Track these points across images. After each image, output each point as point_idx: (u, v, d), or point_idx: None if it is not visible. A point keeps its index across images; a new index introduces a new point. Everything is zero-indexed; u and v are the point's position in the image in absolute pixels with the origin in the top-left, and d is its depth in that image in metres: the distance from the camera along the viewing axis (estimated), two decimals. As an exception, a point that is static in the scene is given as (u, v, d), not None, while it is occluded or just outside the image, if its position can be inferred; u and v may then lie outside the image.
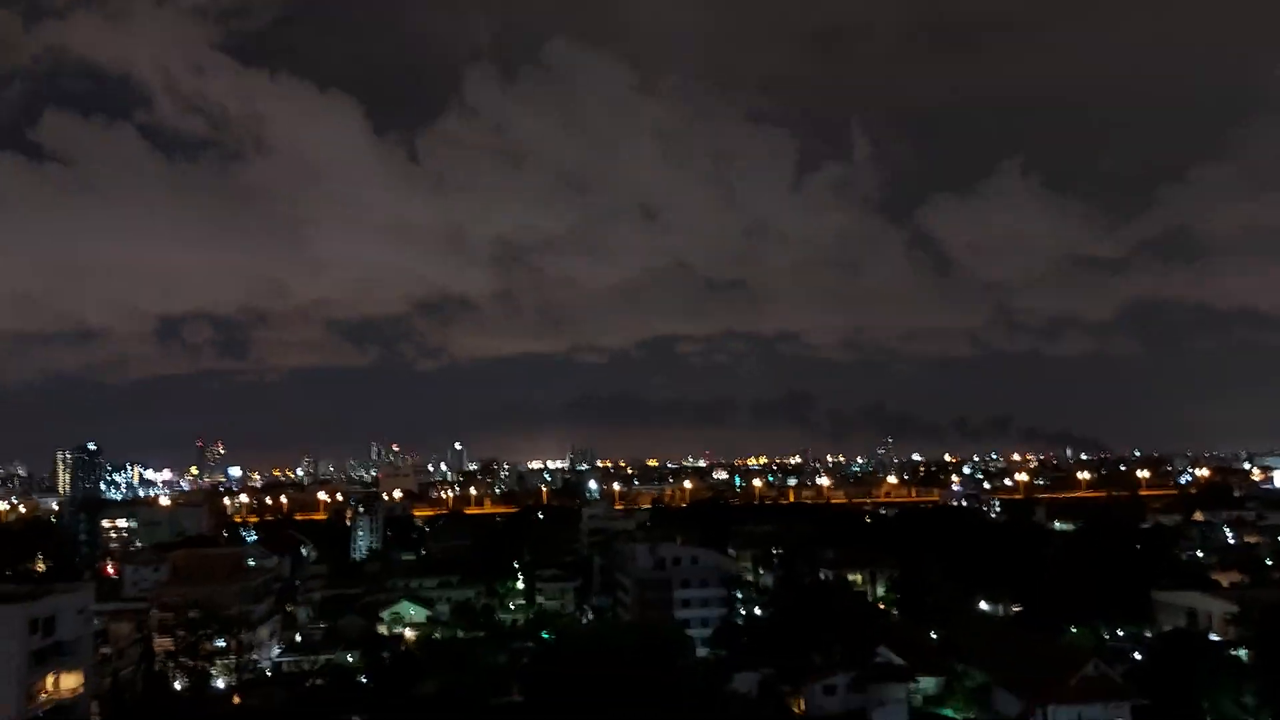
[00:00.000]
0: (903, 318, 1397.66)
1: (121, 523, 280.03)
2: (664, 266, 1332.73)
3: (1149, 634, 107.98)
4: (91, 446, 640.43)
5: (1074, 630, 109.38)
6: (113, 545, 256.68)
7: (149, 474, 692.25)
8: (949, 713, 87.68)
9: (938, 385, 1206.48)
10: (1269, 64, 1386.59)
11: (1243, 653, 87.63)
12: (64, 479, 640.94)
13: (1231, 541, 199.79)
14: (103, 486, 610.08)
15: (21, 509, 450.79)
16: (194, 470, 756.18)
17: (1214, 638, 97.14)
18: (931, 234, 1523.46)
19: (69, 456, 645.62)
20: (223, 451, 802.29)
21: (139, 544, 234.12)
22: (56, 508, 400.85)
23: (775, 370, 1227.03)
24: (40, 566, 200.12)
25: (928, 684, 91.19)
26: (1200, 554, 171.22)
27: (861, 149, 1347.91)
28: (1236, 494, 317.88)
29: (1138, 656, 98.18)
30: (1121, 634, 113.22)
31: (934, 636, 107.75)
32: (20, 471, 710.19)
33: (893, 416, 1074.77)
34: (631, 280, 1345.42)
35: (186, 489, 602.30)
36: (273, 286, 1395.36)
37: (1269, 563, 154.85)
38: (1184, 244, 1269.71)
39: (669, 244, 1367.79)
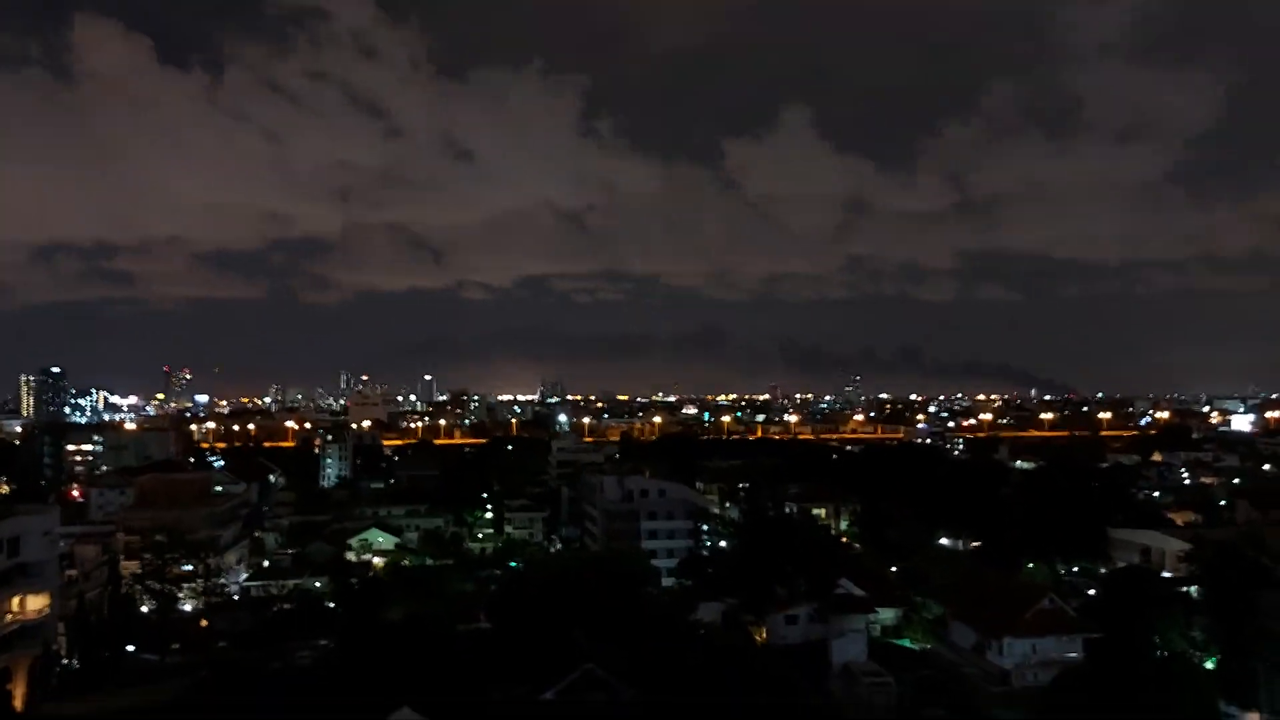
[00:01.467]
0: (755, 263, 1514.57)
1: (87, 447, 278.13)
2: (521, 209, 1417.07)
3: (1104, 570, 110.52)
4: (55, 370, 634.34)
5: (1031, 566, 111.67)
6: (78, 469, 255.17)
7: (114, 399, 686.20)
8: (907, 643, 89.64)
9: (848, 322, 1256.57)
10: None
11: (1194, 589, 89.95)
12: (27, 402, 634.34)
13: (1188, 482, 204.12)
14: (67, 410, 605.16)
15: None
16: (160, 396, 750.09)
17: (1166, 575, 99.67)
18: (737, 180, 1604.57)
19: (32, 379, 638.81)
20: (189, 378, 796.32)
21: (104, 468, 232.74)
22: (20, 430, 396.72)
23: (672, 308, 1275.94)
24: (4, 489, 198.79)
25: (887, 615, 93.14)
26: (1157, 494, 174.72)
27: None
28: (1195, 436, 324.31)
29: (1092, 592, 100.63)
30: (1077, 570, 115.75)
31: (894, 570, 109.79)
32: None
33: (803, 349, 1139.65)
34: (494, 220, 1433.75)
35: (153, 415, 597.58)
36: (124, 220, 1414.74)
37: (1223, 503, 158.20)
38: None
39: (514, 188, 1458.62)
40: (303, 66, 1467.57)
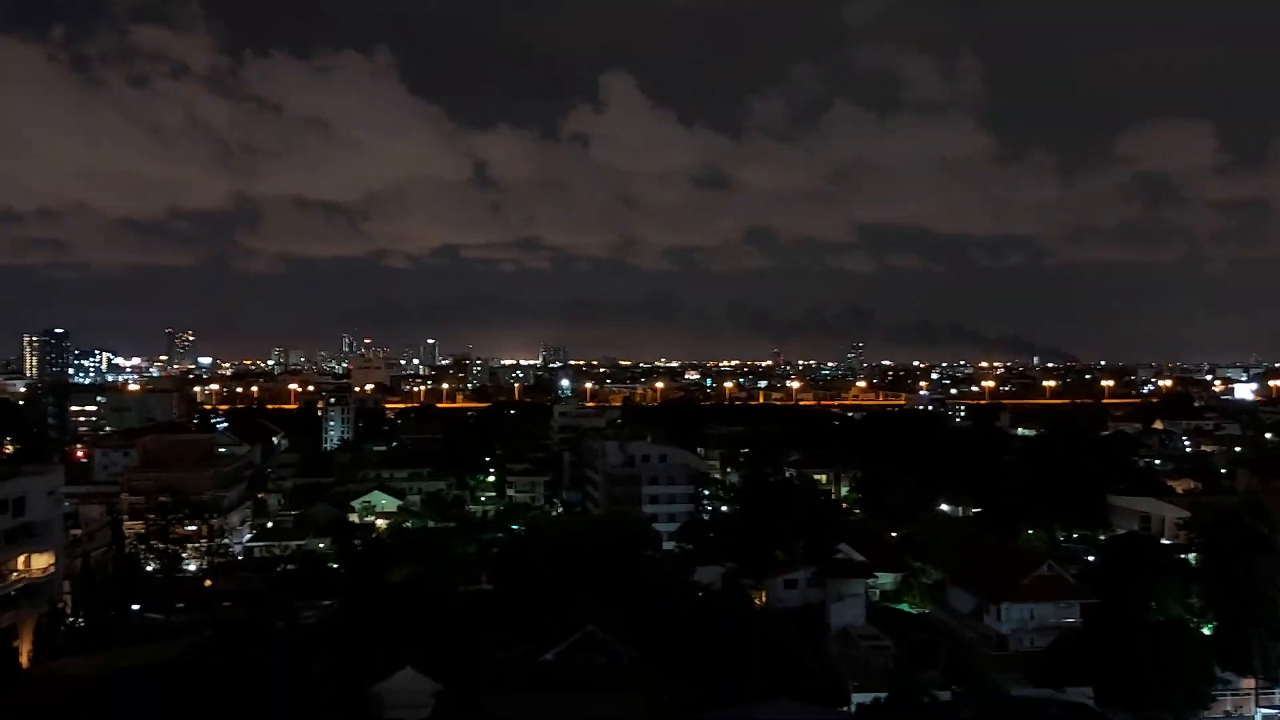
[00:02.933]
0: (657, 235, 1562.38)
1: (90, 407, 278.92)
2: (402, 180, 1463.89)
3: (1103, 537, 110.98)
4: (58, 331, 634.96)
5: (1030, 532, 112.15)
6: (82, 430, 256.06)
7: (118, 360, 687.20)
8: (905, 607, 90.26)
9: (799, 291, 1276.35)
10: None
11: (1191, 556, 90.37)
12: (31, 362, 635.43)
13: (1189, 450, 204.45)
14: (70, 371, 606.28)
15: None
16: (164, 358, 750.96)
17: (1165, 542, 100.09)
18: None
19: (35, 340, 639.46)
20: (192, 339, 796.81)
21: (108, 429, 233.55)
22: (23, 391, 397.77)
23: (611, 275, 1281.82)
24: (8, 449, 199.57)
25: (886, 580, 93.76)
26: (1158, 462, 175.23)
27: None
28: (1197, 404, 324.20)
29: (1091, 559, 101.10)
30: (1077, 537, 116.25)
31: (894, 535, 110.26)
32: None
33: (759, 314, 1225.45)
34: (380, 193, 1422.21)
35: (156, 376, 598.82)
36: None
37: (1223, 471, 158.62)
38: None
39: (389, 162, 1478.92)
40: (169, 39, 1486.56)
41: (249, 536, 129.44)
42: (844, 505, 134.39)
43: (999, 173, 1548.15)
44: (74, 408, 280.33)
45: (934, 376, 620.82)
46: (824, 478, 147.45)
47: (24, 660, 74.51)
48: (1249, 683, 72.01)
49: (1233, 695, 71.12)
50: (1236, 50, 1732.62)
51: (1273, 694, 72.05)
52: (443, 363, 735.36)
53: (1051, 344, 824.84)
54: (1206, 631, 76.97)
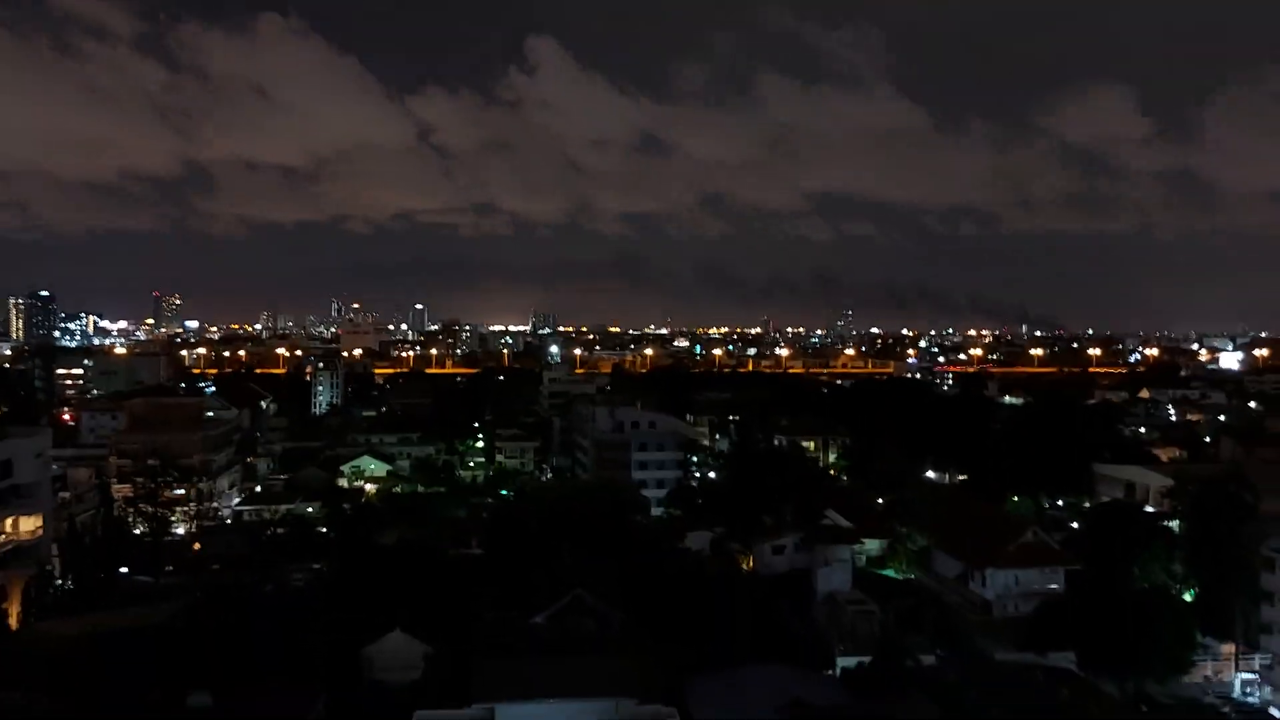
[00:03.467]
0: (609, 200, 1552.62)
1: (77, 371, 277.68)
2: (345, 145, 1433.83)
3: (1088, 505, 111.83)
4: (44, 294, 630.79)
5: (1016, 499, 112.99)
6: (69, 393, 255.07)
7: (104, 324, 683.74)
8: (891, 573, 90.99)
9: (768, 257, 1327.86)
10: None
11: (1175, 524, 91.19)
12: (17, 325, 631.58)
13: (1174, 419, 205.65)
14: (57, 334, 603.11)
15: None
16: (150, 321, 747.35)
17: (1149, 510, 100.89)
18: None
19: (21, 303, 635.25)
20: (179, 303, 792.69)
21: (95, 392, 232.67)
22: (9, 353, 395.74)
23: (573, 239, 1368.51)
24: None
25: (872, 546, 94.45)
26: (1143, 430, 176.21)
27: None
28: (1183, 373, 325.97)
29: (1076, 526, 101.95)
30: (1062, 504, 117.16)
31: (881, 502, 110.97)
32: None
33: (728, 280, 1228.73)
34: (330, 158, 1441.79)
35: (143, 340, 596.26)
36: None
37: (1208, 440, 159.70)
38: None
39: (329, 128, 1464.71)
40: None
41: (238, 500, 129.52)
42: (832, 472, 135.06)
43: (936, 142, 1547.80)
44: (61, 371, 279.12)
45: (922, 345, 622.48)
46: (812, 445, 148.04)
47: (13, 622, 74.64)
48: (1229, 648, 73.05)
49: (1213, 660, 72.16)
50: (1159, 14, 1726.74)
51: (1252, 659, 73.10)
52: (432, 328, 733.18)
53: (1021, 310, 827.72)
54: (1189, 598, 77.91)
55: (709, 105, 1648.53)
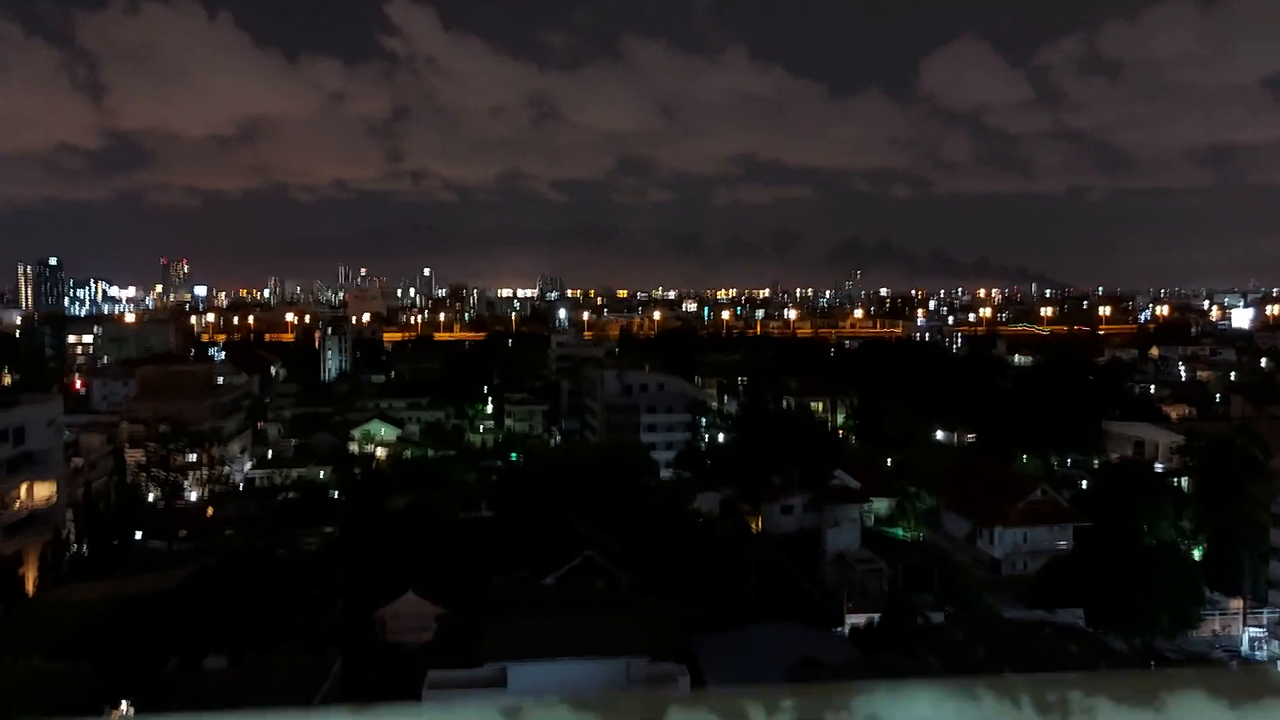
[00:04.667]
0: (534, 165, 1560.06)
1: (87, 338, 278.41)
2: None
3: (1098, 463, 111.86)
4: (53, 261, 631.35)
5: (1025, 458, 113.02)
6: (79, 361, 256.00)
7: (113, 291, 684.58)
8: (899, 532, 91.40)
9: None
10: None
11: (1184, 481, 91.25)
12: (26, 293, 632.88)
13: (1184, 377, 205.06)
14: (66, 302, 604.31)
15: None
16: (159, 288, 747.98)
17: (1159, 467, 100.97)
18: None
19: (30, 271, 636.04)
20: (187, 270, 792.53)
21: (105, 360, 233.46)
22: (19, 321, 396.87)
23: (518, 204, 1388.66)
24: (7, 379, 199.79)
25: (881, 505, 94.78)
26: (1153, 388, 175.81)
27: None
28: (1194, 331, 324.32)
29: (1085, 484, 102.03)
30: (1071, 462, 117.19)
31: (889, 462, 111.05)
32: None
33: (685, 241, 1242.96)
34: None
35: (152, 307, 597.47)
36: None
37: (1218, 397, 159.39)
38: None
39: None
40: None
41: (250, 465, 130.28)
42: (840, 433, 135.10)
43: (833, 109, 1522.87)
44: (71, 338, 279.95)
45: (931, 305, 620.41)
46: (820, 406, 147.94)
47: (30, 587, 75.52)
48: (1237, 603, 73.27)
49: (1221, 615, 72.42)
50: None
51: (1260, 614, 73.34)
52: (440, 293, 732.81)
53: (1050, 271, 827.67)
54: (1197, 554, 78.10)
55: (591, 72, 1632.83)
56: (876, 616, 57.14)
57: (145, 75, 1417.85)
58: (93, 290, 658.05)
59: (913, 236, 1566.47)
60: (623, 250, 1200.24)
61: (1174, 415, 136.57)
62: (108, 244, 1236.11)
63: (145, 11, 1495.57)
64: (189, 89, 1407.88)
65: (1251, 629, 72.57)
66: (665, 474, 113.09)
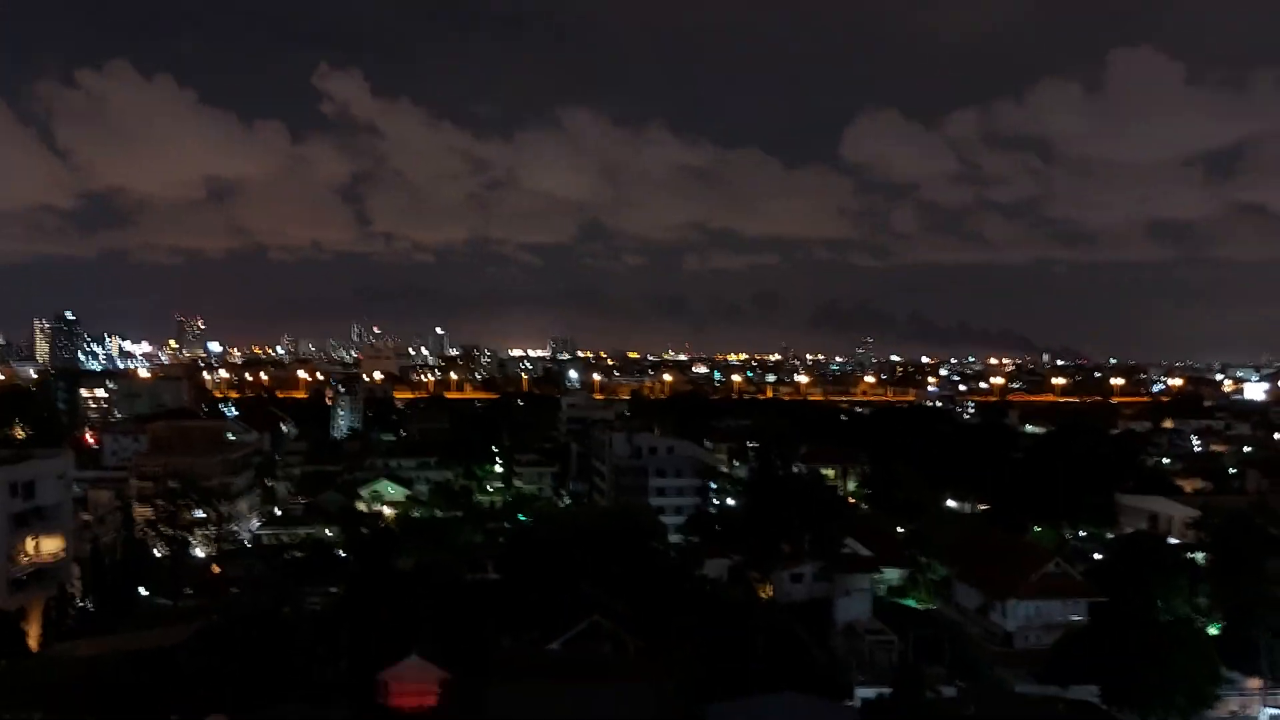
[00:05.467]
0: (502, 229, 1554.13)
1: (100, 393, 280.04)
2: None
3: (1111, 536, 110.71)
4: (70, 316, 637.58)
5: (1038, 529, 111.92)
6: (92, 415, 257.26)
7: (128, 346, 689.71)
8: (911, 603, 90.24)
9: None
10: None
11: (1199, 556, 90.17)
12: (42, 348, 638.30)
13: (1198, 449, 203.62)
14: (81, 357, 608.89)
15: None
16: (173, 344, 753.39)
17: (1173, 541, 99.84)
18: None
19: (47, 325, 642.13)
20: (202, 326, 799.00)
21: (118, 415, 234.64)
22: (35, 376, 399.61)
23: (494, 265, 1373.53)
24: (19, 433, 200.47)
25: (892, 575, 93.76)
26: (1167, 461, 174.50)
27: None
28: (1207, 404, 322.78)
29: (1099, 557, 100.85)
30: (1085, 535, 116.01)
31: (901, 531, 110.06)
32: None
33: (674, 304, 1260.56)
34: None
35: (166, 362, 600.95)
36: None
37: (1232, 471, 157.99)
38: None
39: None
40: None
41: (257, 523, 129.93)
42: (851, 500, 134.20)
43: (774, 180, 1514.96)
44: (84, 393, 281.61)
45: (943, 373, 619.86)
46: (832, 473, 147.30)
47: (33, 643, 75.07)
48: (1255, 682, 71.89)
49: (1239, 695, 71.04)
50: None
51: (1278, 694, 71.95)
52: (452, 353, 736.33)
53: (1060, 342, 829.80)
54: (1213, 631, 76.86)
55: (529, 139, 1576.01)
56: (887, 690, 56.26)
57: (101, 138, 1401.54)
58: (108, 345, 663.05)
59: (890, 301, 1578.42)
60: (609, 313, 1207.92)
61: (1188, 488, 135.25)
62: (99, 299, 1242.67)
63: (82, 79, 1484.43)
64: (147, 151, 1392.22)
65: (1270, 709, 71.07)
66: (674, 538, 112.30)
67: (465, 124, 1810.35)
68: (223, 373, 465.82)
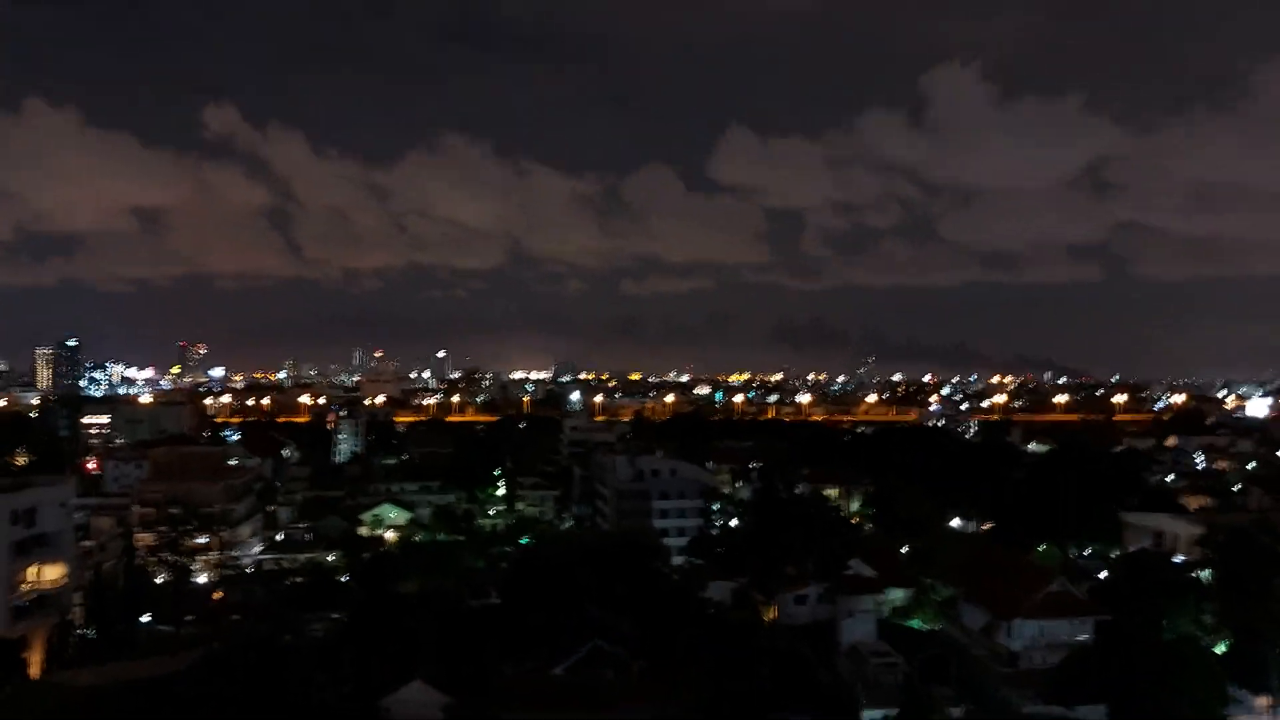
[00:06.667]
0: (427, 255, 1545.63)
1: (102, 419, 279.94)
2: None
3: (1116, 554, 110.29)
4: (71, 343, 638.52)
5: (1042, 548, 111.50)
6: (93, 442, 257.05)
7: (130, 372, 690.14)
8: (916, 623, 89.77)
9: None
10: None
11: (1205, 574, 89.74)
12: (44, 374, 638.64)
13: (1202, 467, 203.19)
14: (83, 383, 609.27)
15: (1, 403, 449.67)
16: (175, 370, 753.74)
17: (1178, 559, 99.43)
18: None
19: (49, 352, 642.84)
20: (204, 352, 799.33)
21: (120, 441, 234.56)
22: (36, 403, 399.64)
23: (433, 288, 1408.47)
24: (20, 460, 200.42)
25: (896, 596, 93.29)
26: (1170, 478, 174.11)
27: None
28: (1210, 421, 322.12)
29: (1104, 575, 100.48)
30: (1089, 553, 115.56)
31: (905, 551, 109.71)
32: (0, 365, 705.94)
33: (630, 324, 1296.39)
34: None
35: (168, 388, 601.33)
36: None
37: (1237, 488, 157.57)
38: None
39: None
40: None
41: (259, 549, 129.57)
42: (855, 520, 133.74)
43: (678, 205, 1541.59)
44: (86, 420, 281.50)
45: (945, 391, 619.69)
46: (835, 493, 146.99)
47: (34, 671, 74.71)
48: (1263, 701, 71.46)
49: (1247, 714, 70.59)
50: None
51: (1287, 713, 71.47)
52: (453, 376, 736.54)
53: (1065, 360, 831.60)
54: (1220, 650, 76.44)
55: (416, 167, 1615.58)
56: (893, 712, 55.93)
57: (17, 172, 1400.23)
58: (110, 372, 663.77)
59: (843, 319, 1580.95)
60: (566, 334, 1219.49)
61: (1192, 506, 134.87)
62: (57, 326, 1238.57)
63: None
64: (71, 184, 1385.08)
65: (1279, 728, 70.67)
66: (678, 560, 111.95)
67: (351, 152, 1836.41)
68: (225, 398, 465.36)
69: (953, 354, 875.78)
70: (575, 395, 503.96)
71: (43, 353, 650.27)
